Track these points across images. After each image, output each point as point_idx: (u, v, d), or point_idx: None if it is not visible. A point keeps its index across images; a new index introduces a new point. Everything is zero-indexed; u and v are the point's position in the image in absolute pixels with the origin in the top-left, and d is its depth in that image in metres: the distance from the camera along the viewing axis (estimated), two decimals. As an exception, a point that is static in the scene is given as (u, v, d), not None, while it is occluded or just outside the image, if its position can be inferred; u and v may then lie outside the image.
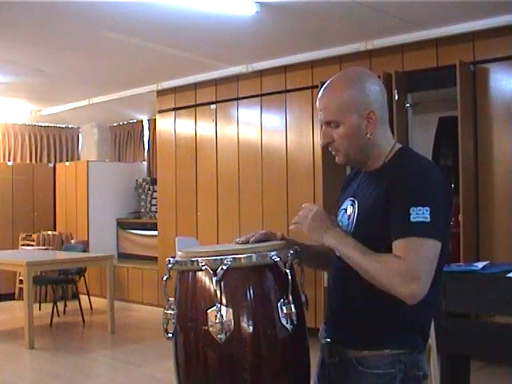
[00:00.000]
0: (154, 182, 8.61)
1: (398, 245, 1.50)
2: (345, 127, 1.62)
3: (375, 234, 1.57)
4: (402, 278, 1.46)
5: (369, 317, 1.60)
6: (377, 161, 1.66)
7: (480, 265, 3.20)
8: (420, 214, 1.49)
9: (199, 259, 1.53)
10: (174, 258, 1.62)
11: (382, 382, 1.58)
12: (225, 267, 1.50)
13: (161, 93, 7.38)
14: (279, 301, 1.54)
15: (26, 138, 9.72)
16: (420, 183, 1.54)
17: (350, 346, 1.63)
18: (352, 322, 1.64)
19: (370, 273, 1.51)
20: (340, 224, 1.71)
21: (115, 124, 9.99)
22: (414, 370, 1.59)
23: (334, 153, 1.69)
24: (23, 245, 8.69)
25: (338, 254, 1.59)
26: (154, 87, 7.24)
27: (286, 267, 1.55)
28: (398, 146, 1.69)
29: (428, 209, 1.49)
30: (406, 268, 1.46)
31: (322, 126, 1.69)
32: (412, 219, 1.49)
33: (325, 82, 1.70)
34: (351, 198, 1.71)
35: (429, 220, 1.48)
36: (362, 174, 1.73)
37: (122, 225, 9.02)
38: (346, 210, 1.72)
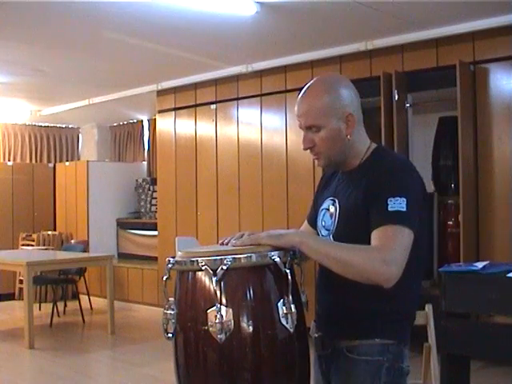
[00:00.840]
0: (154, 182, 8.61)
1: (375, 233, 1.56)
2: (326, 131, 1.69)
3: (357, 232, 1.62)
4: (377, 262, 1.50)
5: (359, 309, 1.66)
6: (354, 160, 1.74)
7: (480, 265, 3.21)
8: (397, 204, 1.56)
9: (199, 259, 1.53)
10: (173, 258, 1.62)
11: (369, 368, 1.65)
12: (225, 267, 1.50)
13: (161, 93, 7.38)
14: (279, 301, 1.54)
15: (26, 138, 9.72)
16: (396, 176, 1.63)
17: (342, 337, 1.69)
18: (344, 315, 1.69)
19: (343, 261, 1.53)
20: (323, 224, 1.78)
21: (115, 124, 9.99)
22: (399, 362, 1.66)
23: (314, 157, 1.76)
24: (23, 245, 8.69)
25: (305, 253, 1.59)
26: (154, 87, 7.24)
27: (285, 267, 1.55)
28: (374, 145, 1.76)
29: (404, 199, 1.56)
30: (381, 253, 1.51)
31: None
32: (389, 208, 1.56)
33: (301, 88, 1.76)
34: (332, 198, 1.77)
35: (405, 209, 1.55)
36: (340, 173, 1.80)
37: (122, 225, 9.02)
38: (327, 209, 1.77)
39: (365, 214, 1.61)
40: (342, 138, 1.70)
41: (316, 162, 1.78)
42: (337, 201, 1.74)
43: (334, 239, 1.70)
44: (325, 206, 1.79)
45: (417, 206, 1.60)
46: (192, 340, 1.56)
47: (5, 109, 8.51)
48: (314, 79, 1.77)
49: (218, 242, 1.76)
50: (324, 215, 1.77)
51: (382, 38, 5.24)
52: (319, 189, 1.91)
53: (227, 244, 1.69)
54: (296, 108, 1.74)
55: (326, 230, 1.75)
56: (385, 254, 1.50)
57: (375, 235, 1.56)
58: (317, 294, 1.80)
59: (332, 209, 1.75)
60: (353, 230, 1.65)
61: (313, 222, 1.88)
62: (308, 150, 1.76)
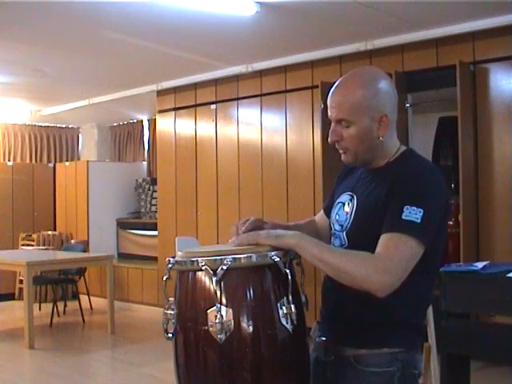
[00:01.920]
0: (154, 182, 8.61)
1: (382, 238, 1.51)
2: (356, 128, 1.61)
3: (372, 232, 1.56)
4: (370, 270, 1.46)
5: (366, 315, 1.60)
6: (381, 160, 1.67)
7: (480, 265, 3.21)
8: (412, 214, 1.50)
9: (199, 259, 1.53)
10: (173, 258, 1.62)
11: (380, 380, 1.59)
12: (225, 267, 1.50)
13: (161, 93, 7.38)
14: (279, 301, 1.54)
15: (26, 138, 9.72)
16: (419, 184, 1.55)
17: (347, 344, 1.63)
18: (349, 321, 1.64)
19: (337, 267, 1.50)
20: (336, 218, 1.72)
21: (115, 124, 9.99)
22: (411, 369, 1.61)
23: (341, 151, 1.68)
24: (23, 245, 8.69)
25: (301, 255, 1.57)
26: (154, 87, 7.24)
27: (286, 267, 1.55)
28: (404, 147, 1.70)
29: (421, 211, 1.50)
30: (377, 262, 1.47)
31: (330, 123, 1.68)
32: (403, 217, 1.50)
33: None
34: (350, 193, 1.71)
35: (419, 221, 1.49)
36: (363, 170, 1.73)
37: (122, 225, 9.02)
38: (343, 204, 1.72)
39: (382, 215, 1.55)
40: (372, 138, 1.62)
41: (342, 156, 1.69)
42: (355, 197, 1.68)
43: (348, 237, 1.66)
44: (341, 199, 1.73)
45: (435, 219, 1.54)
46: (192, 340, 1.56)
47: (5, 109, 8.51)
48: (352, 71, 1.69)
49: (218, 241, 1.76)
50: (339, 209, 1.72)
51: (381, 38, 5.24)
52: (339, 180, 1.84)
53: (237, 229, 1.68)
54: (329, 98, 1.66)
55: (340, 225, 1.70)
56: (380, 263, 1.47)
57: (381, 240, 1.51)
58: (323, 294, 1.76)
59: (348, 205, 1.69)
60: (368, 229, 1.59)
61: (328, 213, 1.82)
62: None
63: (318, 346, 1.70)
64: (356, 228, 1.65)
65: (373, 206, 1.60)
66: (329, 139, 1.68)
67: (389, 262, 1.47)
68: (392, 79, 5.52)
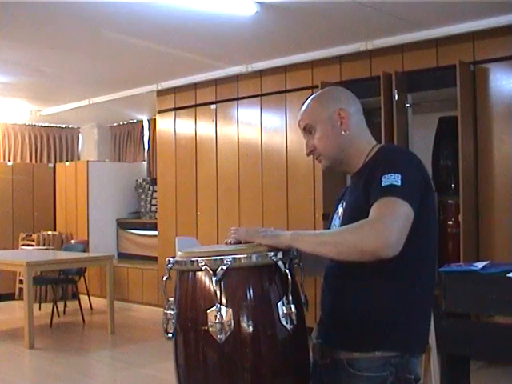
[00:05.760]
0: (154, 182, 8.61)
1: (371, 209, 1.52)
2: (319, 129, 1.73)
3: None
4: (367, 232, 1.46)
5: (360, 318, 1.60)
6: (358, 160, 1.72)
7: (480, 265, 3.20)
8: (391, 178, 1.52)
9: (199, 259, 1.53)
10: (173, 258, 1.62)
11: None
12: (225, 267, 1.50)
13: (161, 93, 7.38)
14: (279, 301, 1.54)
15: (26, 137, 9.71)
16: (391, 157, 1.62)
17: (341, 347, 1.63)
18: (343, 323, 1.64)
19: (335, 242, 1.51)
20: (333, 227, 1.76)
21: (115, 124, 9.99)
22: (404, 373, 1.59)
23: (317, 160, 1.79)
24: (23, 245, 8.69)
25: (300, 249, 1.59)
26: (154, 87, 7.24)
27: (286, 267, 1.55)
28: (379, 146, 1.75)
29: (399, 175, 1.52)
30: (372, 224, 1.48)
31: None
32: (383, 183, 1.52)
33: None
34: (341, 201, 1.78)
35: (399, 184, 1.51)
36: (350, 178, 1.80)
37: (122, 225, 9.02)
38: (338, 213, 1.77)
39: (366, 203, 1.56)
40: (338, 134, 1.71)
41: (321, 165, 1.80)
42: (344, 202, 1.75)
43: None
44: (337, 210, 1.79)
45: (415, 184, 1.55)
46: (192, 340, 1.56)
47: (5, 109, 8.51)
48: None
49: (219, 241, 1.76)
50: (335, 219, 1.78)
51: (381, 38, 5.24)
52: (336, 202, 1.88)
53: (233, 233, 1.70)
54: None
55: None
56: (376, 223, 1.47)
57: (370, 212, 1.52)
58: (321, 298, 1.77)
59: (340, 211, 1.75)
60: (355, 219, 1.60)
61: None
62: (311, 156, 1.79)
63: (315, 349, 1.71)
64: (345, 223, 1.66)
65: (356, 200, 1.64)
66: (305, 152, 1.80)
67: (384, 220, 1.47)
68: (392, 79, 5.51)
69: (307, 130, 1.76)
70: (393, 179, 1.51)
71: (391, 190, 1.50)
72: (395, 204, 1.49)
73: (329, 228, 1.85)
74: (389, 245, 1.45)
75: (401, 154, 1.68)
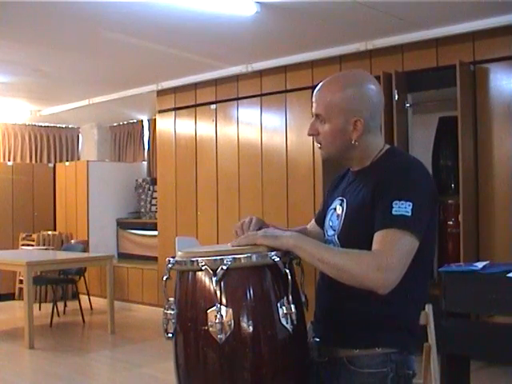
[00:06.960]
0: (154, 182, 8.61)
1: (376, 236, 1.52)
2: (330, 126, 1.66)
3: (362, 232, 1.58)
4: (371, 268, 1.46)
5: (359, 315, 1.61)
6: (365, 161, 1.69)
7: (480, 265, 3.21)
8: (402, 208, 1.51)
9: (199, 259, 1.53)
10: (173, 258, 1.62)
11: (373, 381, 1.59)
12: (225, 267, 1.50)
13: (161, 93, 7.38)
14: (279, 301, 1.54)
15: (26, 137, 9.71)
16: (405, 178, 1.57)
17: (340, 345, 1.63)
18: (342, 321, 1.64)
19: (337, 266, 1.50)
20: (330, 224, 1.74)
21: (115, 124, 9.99)
22: (404, 369, 1.61)
23: (317, 146, 1.73)
24: (23, 245, 8.69)
25: (300, 257, 1.58)
26: (153, 87, 7.24)
27: (285, 267, 1.55)
28: (387, 147, 1.72)
29: (410, 204, 1.51)
30: (376, 259, 1.47)
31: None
32: (393, 212, 1.51)
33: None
34: (340, 198, 1.74)
35: (410, 214, 1.50)
36: (350, 173, 1.76)
37: (122, 225, 9.02)
38: (335, 209, 1.74)
39: (371, 213, 1.56)
40: (345, 140, 1.65)
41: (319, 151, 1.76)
42: (345, 200, 1.70)
43: (339, 239, 1.66)
44: (333, 205, 1.75)
45: (425, 210, 1.55)
46: (192, 340, 1.56)
47: (5, 109, 8.51)
48: (344, 71, 1.78)
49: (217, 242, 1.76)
50: (332, 215, 1.74)
51: (381, 37, 5.24)
52: (330, 189, 1.87)
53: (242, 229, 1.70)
54: (314, 92, 1.71)
55: (333, 230, 1.71)
56: (380, 260, 1.47)
57: (376, 238, 1.52)
58: (316, 294, 1.76)
59: (339, 209, 1.71)
60: (358, 229, 1.61)
61: (320, 222, 1.85)
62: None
63: (312, 347, 1.70)
64: (346, 229, 1.66)
65: (360, 206, 1.62)
66: (307, 131, 1.73)
67: (389, 258, 1.47)
68: (392, 79, 5.51)
69: (318, 116, 1.68)
70: (404, 209, 1.50)
71: (401, 222, 1.50)
72: (402, 238, 1.50)
73: (320, 220, 1.86)
74: (388, 285, 1.47)
75: (414, 171, 1.60)
